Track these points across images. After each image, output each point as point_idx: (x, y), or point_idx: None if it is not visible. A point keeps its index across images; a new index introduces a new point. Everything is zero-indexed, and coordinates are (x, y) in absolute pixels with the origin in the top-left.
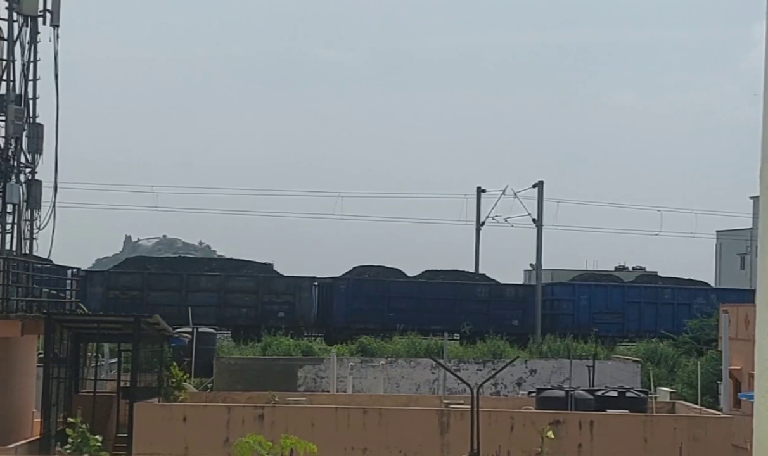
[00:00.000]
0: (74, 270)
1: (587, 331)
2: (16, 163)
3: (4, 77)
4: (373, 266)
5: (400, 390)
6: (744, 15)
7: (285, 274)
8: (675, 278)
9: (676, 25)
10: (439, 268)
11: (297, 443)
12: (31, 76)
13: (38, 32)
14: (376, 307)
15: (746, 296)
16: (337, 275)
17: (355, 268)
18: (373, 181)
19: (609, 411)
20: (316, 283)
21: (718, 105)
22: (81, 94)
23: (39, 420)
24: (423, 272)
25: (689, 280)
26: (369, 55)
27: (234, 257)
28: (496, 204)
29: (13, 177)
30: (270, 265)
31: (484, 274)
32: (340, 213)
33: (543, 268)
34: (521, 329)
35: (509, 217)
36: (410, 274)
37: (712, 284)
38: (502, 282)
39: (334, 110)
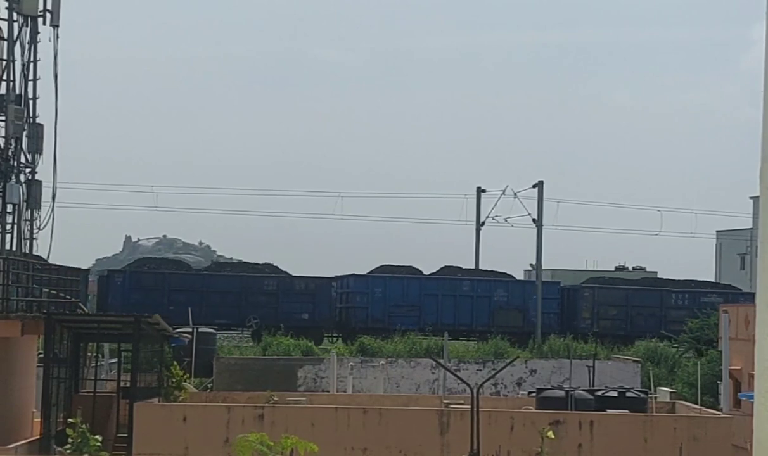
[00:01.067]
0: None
1: (383, 325)
2: (16, 163)
3: (4, 77)
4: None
5: (400, 390)
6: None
7: None
8: (480, 270)
9: (677, 25)
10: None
11: (297, 443)
12: (31, 76)
13: (38, 32)
14: (155, 300)
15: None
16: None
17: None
18: (373, 181)
19: (609, 411)
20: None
21: (718, 105)
22: (81, 94)
23: (39, 420)
24: (211, 264)
25: (493, 271)
26: (369, 55)
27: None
28: (496, 204)
29: (13, 177)
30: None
31: (276, 266)
32: (340, 213)
33: (543, 268)
34: (311, 323)
35: (509, 217)
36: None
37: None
38: (293, 274)
39: (334, 110)
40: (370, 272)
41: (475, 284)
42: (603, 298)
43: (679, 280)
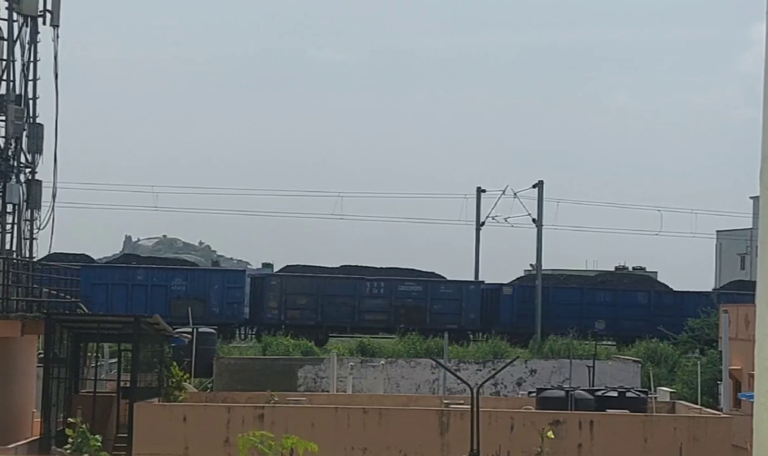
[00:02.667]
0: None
1: None
2: (16, 163)
3: (4, 77)
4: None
5: (400, 390)
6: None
7: None
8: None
9: (677, 25)
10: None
11: (297, 443)
12: (31, 76)
13: (38, 32)
14: None
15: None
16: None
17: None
18: (373, 181)
19: (609, 411)
20: None
21: (719, 105)
22: (81, 94)
23: (39, 420)
24: None
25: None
26: (369, 55)
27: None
28: (496, 204)
29: (13, 177)
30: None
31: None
32: (340, 213)
33: (543, 268)
34: None
35: (509, 217)
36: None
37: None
38: None
39: (334, 110)
40: None
41: (150, 273)
42: (292, 287)
43: (377, 268)
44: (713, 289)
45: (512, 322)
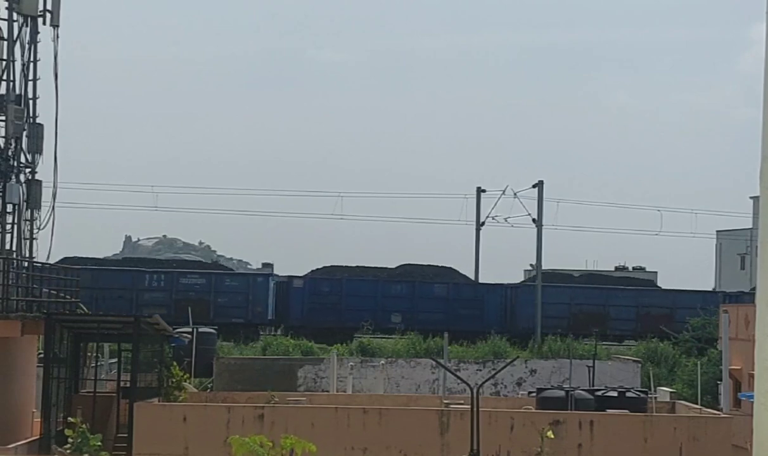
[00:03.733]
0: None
1: None
2: (16, 163)
3: (4, 77)
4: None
5: (400, 390)
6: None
7: None
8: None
9: (677, 25)
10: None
11: (297, 443)
12: (31, 76)
13: (38, 32)
14: None
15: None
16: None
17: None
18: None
19: (609, 411)
20: None
21: (719, 105)
22: (81, 94)
23: (39, 420)
24: None
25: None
26: (369, 55)
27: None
28: (496, 204)
29: (13, 177)
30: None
31: None
32: (340, 213)
33: (543, 268)
34: None
35: (509, 217)
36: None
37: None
38: None
39: (334, 110)
40: None
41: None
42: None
43: (158, 260)
44: (523, 281)
45: (302, 315)
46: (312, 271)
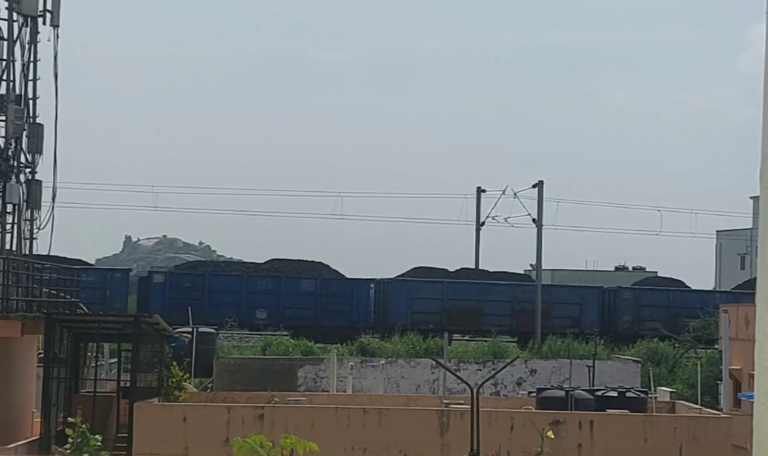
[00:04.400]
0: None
1: None
2: (16, 163)
3: (4, 77)
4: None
5: (400, 390)
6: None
7: None
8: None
9: (677, 25)
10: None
11: (297, 443)
12: (31, 76)
13: (38, 32)
14: None
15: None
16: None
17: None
18: (373, 181)
19: (609, 411)
20: None
21: (719, 105)
22: (81, 94)
23: (39, 420)
24: None
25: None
26: (369, 55)
27: None
28: (496, 204)
29: (13, 177)
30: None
31: None
32: (340, 213)
33: (543, 268)
34: None
35: (509, 217)
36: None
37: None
38: None
39: (334, 110)
40: None
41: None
42: None
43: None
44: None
45: (163, 311)
46: (175, 266)
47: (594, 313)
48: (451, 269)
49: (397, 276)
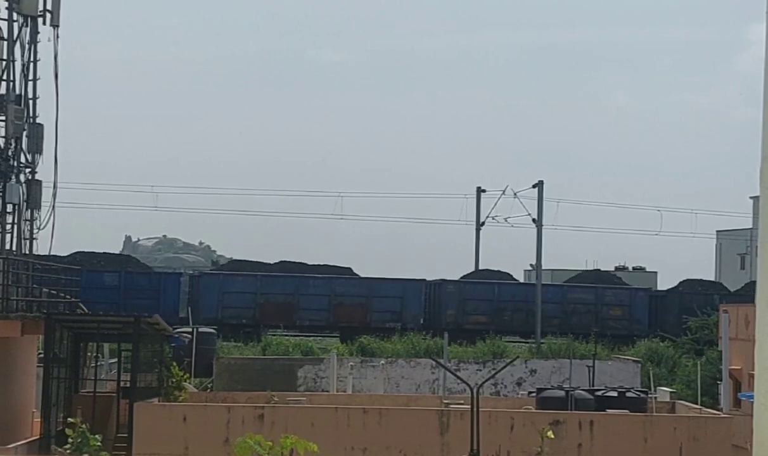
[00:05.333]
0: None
1: None
2: (16, 163)
3: (4, 77)
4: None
5: (400, 390)
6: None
7: None
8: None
9: (677, 25)
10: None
11: (297, 443)
12: (31, 76)
13: (38, 32)
14: None
15: None
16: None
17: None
18: (373, 181)
19: (609, 411)
20: None
21: (719, 105)
22: (81, 94)
23: (39, 420)
24: None
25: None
26: (369, 55)
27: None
28: (496, 204)
29: (13, 177)
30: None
31: None
32: (340, 213)
33: (543, 268)
34: None
35: (509, 217)
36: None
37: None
38: None
39: (334, 110)
40: None
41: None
42: None
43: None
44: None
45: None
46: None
47: (416, 306)
48: (271, 262)
49: (211, 269)
